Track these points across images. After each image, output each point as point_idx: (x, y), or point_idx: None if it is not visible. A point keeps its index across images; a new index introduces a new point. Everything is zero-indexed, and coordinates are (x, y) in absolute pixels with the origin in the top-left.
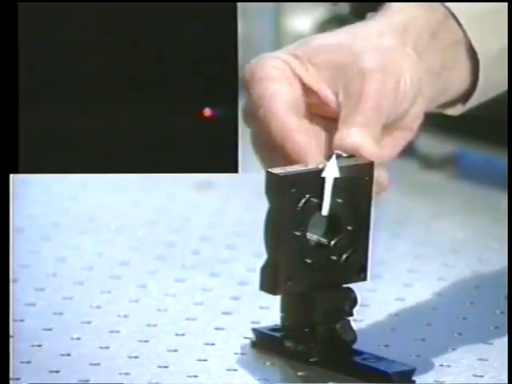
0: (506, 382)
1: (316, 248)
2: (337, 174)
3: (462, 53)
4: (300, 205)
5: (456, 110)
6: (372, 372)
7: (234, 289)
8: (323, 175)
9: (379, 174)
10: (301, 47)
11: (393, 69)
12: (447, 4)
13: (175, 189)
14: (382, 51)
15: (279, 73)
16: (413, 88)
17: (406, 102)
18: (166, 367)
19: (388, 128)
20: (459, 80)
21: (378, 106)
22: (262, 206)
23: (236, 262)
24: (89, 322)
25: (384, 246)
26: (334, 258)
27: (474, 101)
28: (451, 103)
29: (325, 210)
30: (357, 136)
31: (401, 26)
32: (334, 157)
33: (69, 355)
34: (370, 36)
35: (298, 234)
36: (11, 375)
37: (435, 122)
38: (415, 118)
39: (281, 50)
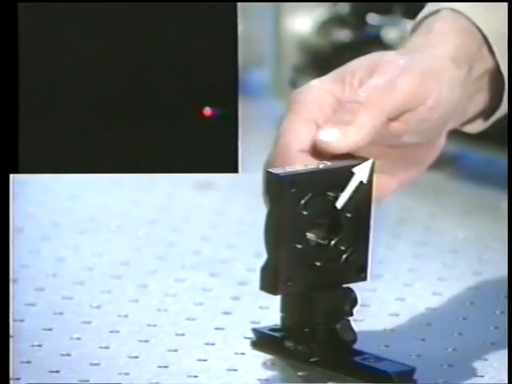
0: (506, 382)
1: (316, 248)
2: (365, 180)
3: (487, 80)
4: (300, 205)
5: (476, 128)
6: (372, 372)
7: (233, 289)
8: (354, 170)
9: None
10: (347, 66)
11: (425, 70)
12: (483, 29)
13: (175, 189)
14: (422, 57)
15: (315, 109)
16: (449, 102)
17: (435, 113)
18: (166, 367)
19: (407, 162)
20: (477, 104)
21: (369, 101)
22: (262, 206)
23: (236, 262)
24: (89, 322)
25: (384, 246)
26: (334, 257)
27: (495, 117)
28: (469, 121)
29: (339, 204)
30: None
31: (446, 55)
32: (371, 160)
33: (69, 355)
34: (415, 51)
35: (298, 233)
36: (11, 375)
37: None
38: (436, 151)
39: (330, 74)
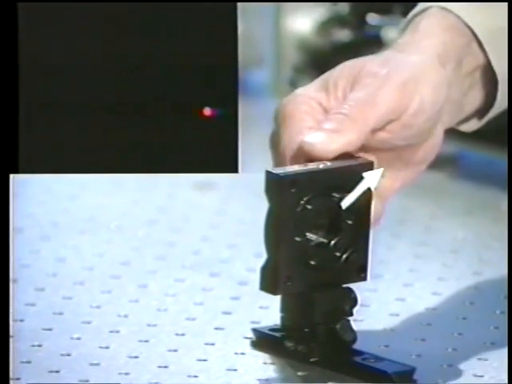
0: (506, 382)
1: (316, 248)
2: (373, 187)
3: (480, 75)
4: (300, 205)
5: (470, 127)
6: (372, 372)
7: (233, 289)
8: (364, 174)
9: (376, 206)
10: (330, 74)
11: (406, 78)
12: (473, 27)
13: (175, 189)
14: (404, 62)
15: (308, 118)
16: (433, 106)
17: (420, 118)
18: (166, 367)
19: (405, 162)
20: (474, 102)
21: (355, 107)
22: (262, 206)
23: (236, 262)
24: (89, 322)
25: (384, 246)
26: (334, 257)
27: (489, 115)
28: (464, 120)
29: (344, 205)
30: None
31: (431, 51)
32: (381, 169)
33: (69, 355)
34: (399, 54)
35: (298, 233)
36: (11, 375)
37: None
38: (433, 150)
39: (314, 82)
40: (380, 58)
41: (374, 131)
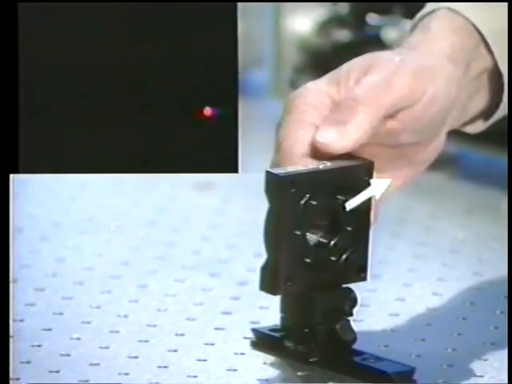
0: (506, 382)
1: (316, 248)
2: (377, 196)
3: (486, 78)
4: (300, 205)
5: (476, 128)
6: (372, 372)
7: (233, 289)
8: (371, 181)
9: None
10: (341, 68)
11: (421, 67)
12: (481, 29)
13: (175, 189)
14: (417, 55)
15: (313, 112)
16: (446, 97)
17: (432, 109)
18: (165, 367)
19: (407, 162)
20: (478, 104)
21: (365, 98)
22: (262, 206)
23: (236, 262)
24: (89, 322)
25: (384, 246)
26: (333, 258)
27: (495, 117)
28: (469, 122)
29: (349, 207)
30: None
31: (442, 53)
32: (389, 180)
33: (69, 355)
34: (411, 50)
35: (297, 233)
36: (11, 375)
37: None
38: (435, 150)
39: (325, 76)
40: (393, 51)
41: (386, 119)
